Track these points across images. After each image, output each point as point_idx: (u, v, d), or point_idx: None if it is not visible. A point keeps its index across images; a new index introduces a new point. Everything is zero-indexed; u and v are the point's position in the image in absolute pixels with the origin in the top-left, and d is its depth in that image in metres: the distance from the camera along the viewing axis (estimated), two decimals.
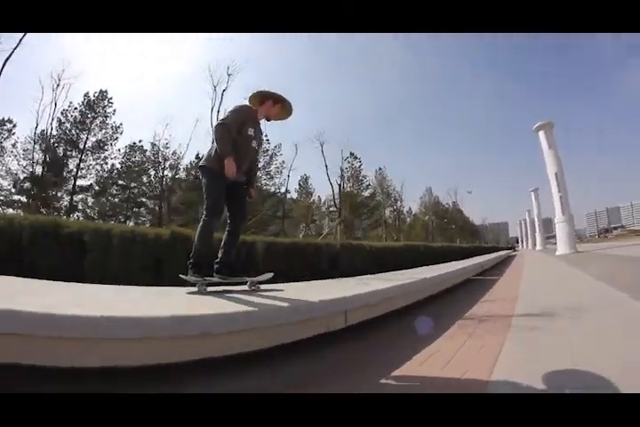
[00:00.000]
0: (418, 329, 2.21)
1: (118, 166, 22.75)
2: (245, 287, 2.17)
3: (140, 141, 23.35)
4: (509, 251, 26.10)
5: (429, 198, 41.20)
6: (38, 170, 19.21)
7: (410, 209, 40.46)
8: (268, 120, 2.33)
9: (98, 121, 21.76)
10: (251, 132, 2.16)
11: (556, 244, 19.54)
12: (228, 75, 21.03)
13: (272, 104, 2.26)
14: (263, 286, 2.22)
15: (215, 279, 2.08)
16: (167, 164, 22.80)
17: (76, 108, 21.07)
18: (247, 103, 2.30)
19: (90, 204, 22.20)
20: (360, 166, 29.85)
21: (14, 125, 20.52)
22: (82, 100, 21.41)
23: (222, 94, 20.73)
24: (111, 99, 22.24)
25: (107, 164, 22.10)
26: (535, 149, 19.96)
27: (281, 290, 2.16)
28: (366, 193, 30.85)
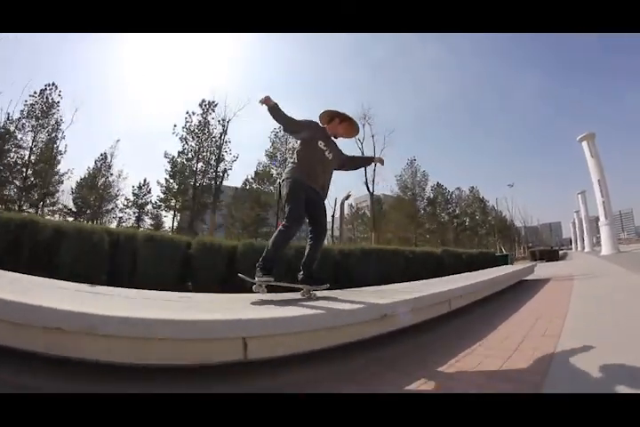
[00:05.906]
0: None
1: None
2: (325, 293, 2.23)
3: None
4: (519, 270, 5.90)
5: (411, 174, 25.84)
6: None
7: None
8: (336, 138, 2.43)
9: None
10: (321, 145, 2.26)
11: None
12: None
13: (338, 122, 2.37)
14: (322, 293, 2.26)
15: (276, 282, 2.08)
16: None
17: None
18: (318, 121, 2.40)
19: None
20: None
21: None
22: None
23: None
24: None
25: None
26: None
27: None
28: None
